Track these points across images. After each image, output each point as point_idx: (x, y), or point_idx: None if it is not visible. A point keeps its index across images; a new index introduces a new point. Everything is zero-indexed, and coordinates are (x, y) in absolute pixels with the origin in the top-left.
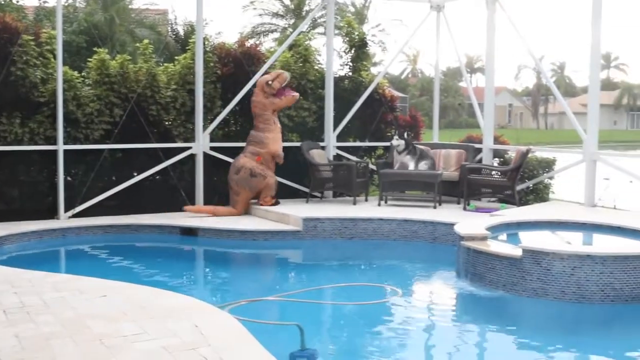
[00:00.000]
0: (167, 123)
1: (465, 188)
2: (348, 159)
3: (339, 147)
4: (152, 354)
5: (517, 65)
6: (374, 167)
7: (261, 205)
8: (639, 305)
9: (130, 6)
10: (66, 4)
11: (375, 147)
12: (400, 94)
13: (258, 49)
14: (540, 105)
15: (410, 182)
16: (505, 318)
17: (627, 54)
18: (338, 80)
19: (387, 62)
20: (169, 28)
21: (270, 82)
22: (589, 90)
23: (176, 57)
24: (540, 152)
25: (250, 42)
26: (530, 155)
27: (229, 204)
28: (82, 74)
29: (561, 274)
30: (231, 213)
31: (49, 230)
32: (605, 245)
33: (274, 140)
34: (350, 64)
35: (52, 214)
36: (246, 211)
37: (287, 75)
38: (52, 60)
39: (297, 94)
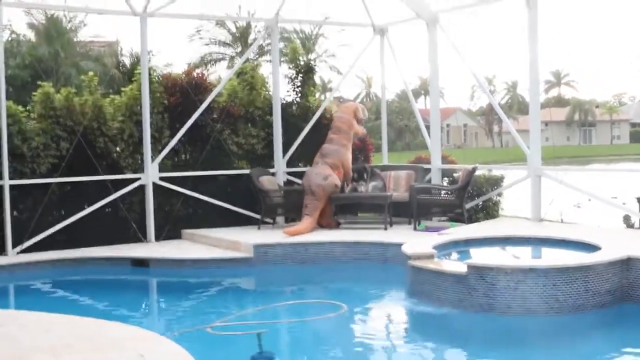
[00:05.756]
0: (115, 155)
1: (415, 208)
2: (298, 184)
3: (289, 173)
4: None
5: (471, 85)
6: None
7: (322, 226)
8: (583, 315)
9: (75, 39)
10: (9, 39)
11: None
12: None
13: (205, 77)
14: (494, 124)
15: (361, 205)
16: (453, 334)
17: (576, 71)
18: (286, 106)
19: (335, 87)
20: (115, 59)
21: (360, 111)
22: (530, 106)
23: (122, 89)
24: (488, 170)
25: (197, 72)
26: (477, 173)
27: (177, 235)
28: (27, 108)
29: (506, 289)
30: (304, 229)
31: None
32: (548, 257)
33: (350, 160)
34: (298, 89)
35: (0, 250)
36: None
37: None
38: None
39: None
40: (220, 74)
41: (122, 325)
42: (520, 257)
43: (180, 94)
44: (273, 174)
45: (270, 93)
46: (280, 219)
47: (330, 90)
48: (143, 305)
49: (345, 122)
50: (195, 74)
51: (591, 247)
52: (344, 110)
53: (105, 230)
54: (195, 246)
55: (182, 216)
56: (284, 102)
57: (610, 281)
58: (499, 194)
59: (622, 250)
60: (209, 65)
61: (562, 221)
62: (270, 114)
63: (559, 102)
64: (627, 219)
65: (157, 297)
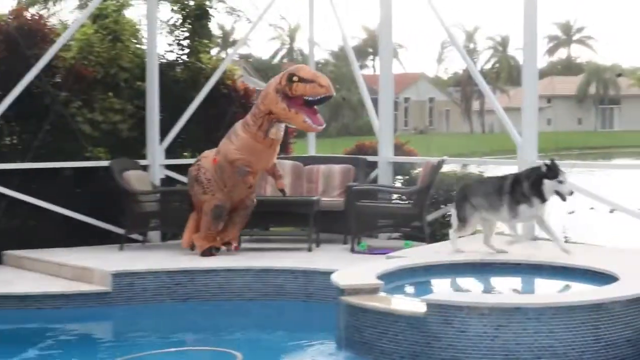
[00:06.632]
0: None
1: (353, 220)
2: (183, 184)
3: (168, 166)
4: None
5: (440, 42)
6: None
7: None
8: None
9: None
10: None
11: None
12: None
13: (44, 22)
14: (475, 99)
15: (273, 214)
16: None
17: (595, 24)
18: (167, 68)
19: (241, 41)
20: None
21: (295, 79)
22: (523, 74)
23: None
24: (462, 166)
25: (32, 12)
26: (446, 169)
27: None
28: None
29: (482, 336)
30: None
31: None
32: (542, 292)
33: (244, 146)
34: (185, 43)
35: None
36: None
37: (323, 90)
38: None
39: (315, 126)
40: (67, 17)
41: None
42: (503, 291)
43: (5, 46)
44: (145, 168)
45: (144, 47)
46: (154, 235)
47: (234, 44)
48: None
49: (261, 94)
50: (28, 16)
51: (605, 278)
52: (266, 87)
53: None
54: (23, 275)
55: (4, 230)
56: (164, 61)
57: (631, 326)
58: None
59: None
60: (51, 3)
61: (565, 240)
62: (143, 79)
63: (568, 68)
64: None
65: None
